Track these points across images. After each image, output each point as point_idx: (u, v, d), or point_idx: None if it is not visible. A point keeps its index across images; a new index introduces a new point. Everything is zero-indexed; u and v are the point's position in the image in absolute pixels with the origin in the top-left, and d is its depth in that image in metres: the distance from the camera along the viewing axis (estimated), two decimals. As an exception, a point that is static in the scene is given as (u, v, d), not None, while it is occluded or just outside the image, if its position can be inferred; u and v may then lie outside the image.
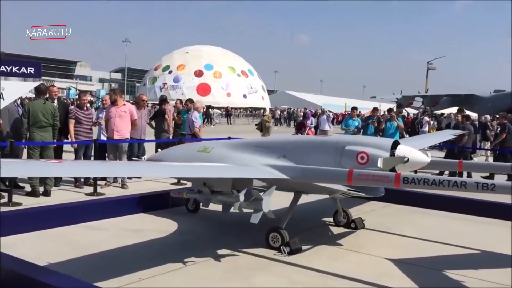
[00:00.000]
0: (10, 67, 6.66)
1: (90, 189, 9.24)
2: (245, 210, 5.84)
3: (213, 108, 51.43)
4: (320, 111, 20.08)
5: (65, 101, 16.89)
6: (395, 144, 6.07)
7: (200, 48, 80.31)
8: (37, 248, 5.83)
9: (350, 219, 7.36)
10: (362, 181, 5.35)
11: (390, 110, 13.97)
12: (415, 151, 6.06)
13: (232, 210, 5.79)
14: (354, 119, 13.68)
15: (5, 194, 8.04)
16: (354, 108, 14.47)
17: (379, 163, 5.50)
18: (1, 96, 6.63)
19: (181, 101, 14.27)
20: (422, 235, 7.18)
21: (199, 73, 74.91)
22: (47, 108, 8.69)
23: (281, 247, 5.93)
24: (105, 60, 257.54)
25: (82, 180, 9.75)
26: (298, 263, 5.62)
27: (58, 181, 9.67)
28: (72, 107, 10.47)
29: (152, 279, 4.93)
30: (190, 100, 12.90)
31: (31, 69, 6.76)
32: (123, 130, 9.87)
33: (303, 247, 6.16)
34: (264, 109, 20.64)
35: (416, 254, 6.30)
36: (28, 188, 8.84)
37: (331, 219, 7.55)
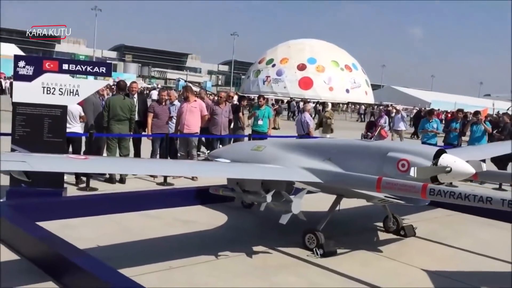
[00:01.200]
0: (85, 66, 7.42)
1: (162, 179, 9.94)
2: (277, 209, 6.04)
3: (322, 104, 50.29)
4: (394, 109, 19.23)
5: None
6: (439, 153, 5.91)
7: (303, 42, 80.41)
8: (96, 231, 6.50)
9: (400, 226, 7.25)
10: (391, 189, 5.32)
11: (476, 113, 13.28)
12: (460, 161, 5.83)
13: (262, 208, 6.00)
14: (431, 121, 13.15)
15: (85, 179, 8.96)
16: (431, 112, 13.93)
17: (412, 172, 5.40)
18: (77, 93, 7.41)
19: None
20: (476, 248, 6.86)
21: (302, 67, 75.07)
22: (126, 103, 9.51)
23: (314, 249, 6.06)
24: (215, 53, 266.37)
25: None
26: (327, 266, 5.71)
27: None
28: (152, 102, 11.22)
29: (181, 269, 5.32)
30: (262, 97, 13.29)
31: (103, 69, 7.46)
32: (193, 125, 10.45)
33: (339, 251, 6.23)
34: (326, 104, 19.96)
35: (459, 267, 6.09)
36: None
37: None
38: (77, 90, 7.44)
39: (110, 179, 9.41)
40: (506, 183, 10.47)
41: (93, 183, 9.11)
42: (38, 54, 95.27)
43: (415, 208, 8.87)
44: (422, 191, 5.01)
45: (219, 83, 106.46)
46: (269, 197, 5.70)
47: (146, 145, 11.44)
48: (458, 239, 7.26)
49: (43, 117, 7.40)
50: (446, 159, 5.80)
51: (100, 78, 8.36)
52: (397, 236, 7.20)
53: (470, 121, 13.24)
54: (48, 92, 7.35)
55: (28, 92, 7.29)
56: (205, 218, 7.46)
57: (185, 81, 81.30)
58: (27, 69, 7.26)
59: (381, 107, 28.57)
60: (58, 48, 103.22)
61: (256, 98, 14.93)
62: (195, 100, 10.77)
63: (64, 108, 7.51)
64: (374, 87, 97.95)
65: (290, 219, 5.98)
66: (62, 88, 7.39)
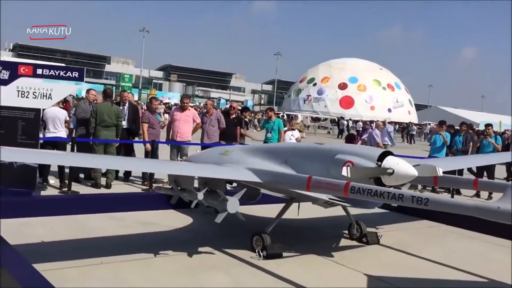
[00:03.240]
0: (58, 71, 7.70)
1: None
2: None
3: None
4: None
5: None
6: (384, 155, 5.74)
7: (345, 61, 79.98)
8: (51, 229, 6.57)
9: (363, 233, 7.05)
10: (319, 188, 5.22)
11: (487, 125, 12.88)
12: (403, 164, 5.63)
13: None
14: (441, 132, 12.77)
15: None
16: (441, 123, 13.53)
17: (344, 172, 5.25)
18: (50, 96, 7.68)
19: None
20: (441, 259, 6.51)
21: (343, 86, 74.61)
22: (112, 110, 9.75)
23: (257, 250, 5.97)
24: (259, 73, 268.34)
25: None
26: (263, 267, 5.61)
27: (128, 176, 10.72)
28: (144, 111, 11.40)
29: (110, 265, 5.33)
30: (270, 109, 13.31)
31: (76, 73, 7.73)
32: (186, 133, 10.57)
33: (287, 254, 6.10)
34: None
35: (406, 274, 5.84)
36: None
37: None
38: (50, 94, 7.71)
39: (95, 185, 9.60)
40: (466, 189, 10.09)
41: (80, 188, 9.36)
42: (89, 74, 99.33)
43: (396, 217, 8.66)
44: (344, 189, 4.88)
45: (262, 102, 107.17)
46: (200, 195, 5.69)
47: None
48: (425, 249, 6.96)
49: (17, 119, 7.69)
50: (389, 161, 5.62)
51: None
52: (359, 243, 7.00)
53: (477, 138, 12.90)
54: (23, 95, 7.65)
55: (3, 96, 7.61)
56: (169, 221, 7.46)
57: (226, 100, 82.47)
58: (3, 74, 7.60)
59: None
60: (108, 68, 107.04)
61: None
62: (189, 109, 10.92)
63: (37, 111, 7.79)
64: (421, 107, 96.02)
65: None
66: (36, 92, 7.67)
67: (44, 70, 7.70)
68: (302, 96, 77.95)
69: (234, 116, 12.16)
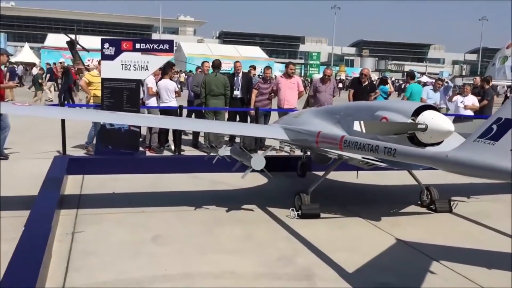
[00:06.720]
0: (152, 45, 8.52)
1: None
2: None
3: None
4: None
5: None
6: (421, 109, 5.12)
7: None
8: (130, 183, 7.34)
9: (432, 200, 6.37)
10: (323, 143, 4.95)
11: None
12: (439, 118, 4.93)
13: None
14: None
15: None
16: None
17: (356, 126, 4.83)
18: (147, 68, 8.55)
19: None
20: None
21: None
22: (219, 80, 10.34)
23: (291, 209, 5.90)
24: (461, 41, 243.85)
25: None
26: (290, 225, 5.55)
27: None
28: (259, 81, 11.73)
29: (149, 214, 5.86)
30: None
31: (166, 46, 8.44)
32: (292, 100, 10.64)
33: (328, 216, 5.90)
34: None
35: (451, 243, 5.15)
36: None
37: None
38: (147, 66, 8.57)
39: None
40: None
41: (194, 152, 10.23)
42: (285, 55, 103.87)
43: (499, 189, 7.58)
44: (339, 142, 4.54)
45: (463, 73, 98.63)
46: (221, 151, 5.84)
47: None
48: (505, 222, 5.95)
49: (122, 90, 8.73)
50: (424, 116, 5.00)
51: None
52: (428, 210, 6.36)
53: None
54: (125, 68, 8.65)
55: (111, 69, 8.72)
56: (240, 182, 7.55)
57: (420, 72, 78.08)
58: (110, 50, 8.69)
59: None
60: (302, 48, 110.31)
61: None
62: (294, 77, 10.93)
63: (137, 82, 8.74)
64: None
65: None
66: (136, 65, 8.61)
67: (141, 44, 8.57)
68: (508, 64, 69.66)
69: (366, 83, 11.80)
